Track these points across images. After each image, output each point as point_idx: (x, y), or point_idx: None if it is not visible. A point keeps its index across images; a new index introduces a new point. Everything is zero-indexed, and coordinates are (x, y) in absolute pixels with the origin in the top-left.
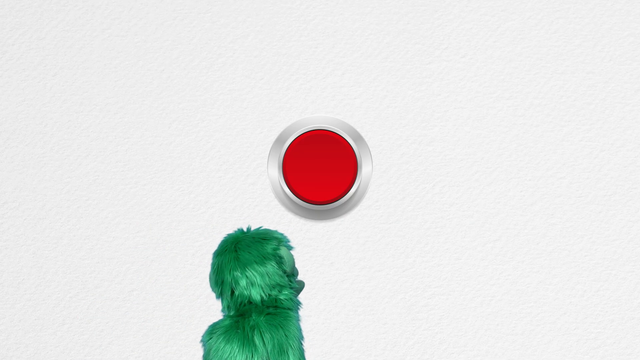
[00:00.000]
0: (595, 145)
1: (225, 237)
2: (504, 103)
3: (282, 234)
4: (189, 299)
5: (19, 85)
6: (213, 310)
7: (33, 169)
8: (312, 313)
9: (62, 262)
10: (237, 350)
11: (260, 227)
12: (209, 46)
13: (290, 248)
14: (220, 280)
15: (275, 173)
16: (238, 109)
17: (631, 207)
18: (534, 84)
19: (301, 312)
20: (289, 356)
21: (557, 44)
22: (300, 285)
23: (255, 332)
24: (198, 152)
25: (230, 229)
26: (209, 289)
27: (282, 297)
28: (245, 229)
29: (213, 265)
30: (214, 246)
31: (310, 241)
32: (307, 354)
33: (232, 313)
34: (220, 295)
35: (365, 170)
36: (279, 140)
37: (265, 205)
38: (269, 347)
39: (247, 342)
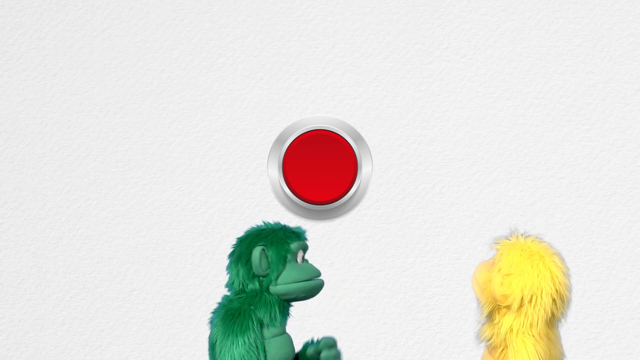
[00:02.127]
0: (595, 145)
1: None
2: (504, 103)
3: (284, 235)
4: (189, 299)
5: (19, 85)
6: (213, 310)
7: (33, 169)
8: (313, 313)
9: (62, 262)
10: (213, 330)
11: (284, 225)
12: (209, 46)
13: (283, 251)
14: (227, 267)
15: (275, 173)
16: (238, 109)
17: (631, 207)
18: (534, 84)
19: (302, 312)
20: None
21: (557, 44)
22: (289, 289)
23: (218, 318)
24: (198, 152)
25: (230, 229)
26: (209, 289)
27: (248, 292)
28: (273, 223)
29: None
30: (214, 246)
31: (310, 241)
32: None
33: (225, 296)
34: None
35: (365, 170)
36: (279, 140)
37: (265, 205)
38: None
39: (214, 327)
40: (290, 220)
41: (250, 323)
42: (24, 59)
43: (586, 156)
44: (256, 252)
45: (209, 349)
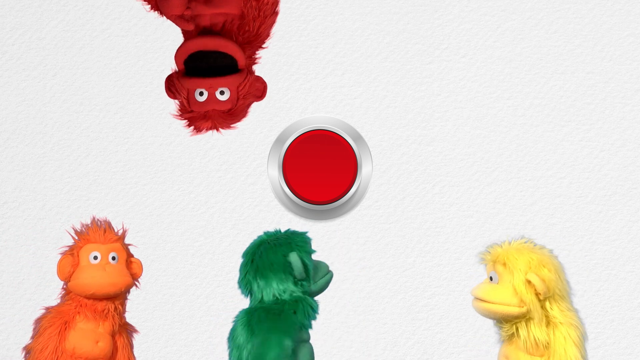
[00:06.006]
0: (595, 145)
1: (253, 240)
2: (504, 103)
3: (302, 237)
4: (189, 299)
5: (19, 85)
6: (213, 310)
7: (33, 169)
8: None
9: None
10: (239, 331)
11: (288, 230)
12: None
13: (309, 252)
14: (240, 282)
15: (275, 173)
16: None
17: (631, 207)
18: (534, 84)
19: None
20: (267, 348)
21: (557, 44)
22: (321, 284)
23: (254, 320)
24: (198, 152)
25: (230, 229)
26: (209, 289)
27: (289, 300)
28: (273, 231)
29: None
30: (214, 246)
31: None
32: None
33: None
34: (243, 294)
35: (365, 170)
36: (279, 140)
37: (265, 205)
38: (258, 338)
39: (247, 328)
40: (291, 220)
41: (294, 328)
42: (24, 59)
43: (586, 156)
44: (295, 257)
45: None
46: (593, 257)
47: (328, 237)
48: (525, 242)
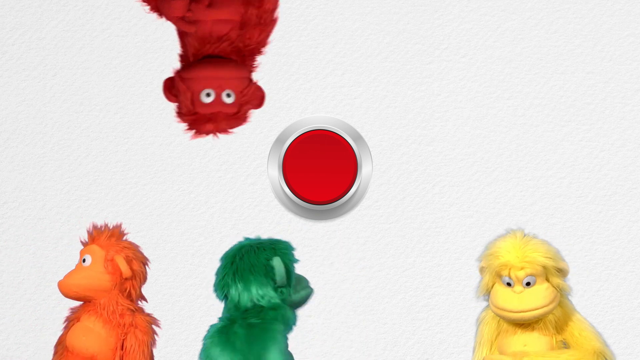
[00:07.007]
0: (595, 145)
1: (233, 245)
2: (504, 103)
3: (286, 245)
4: (189, 299)
5: (19, 85)
6: (213, 310)
7: (33, 169)
8: (312, 313)
9: (62, 262)
10: (219, 352)
11: (271, 238)
12: None
13: (292, 260)
14: (217, 284)
15: (275, 173)
16: None
17: (631, 207)
18: (534, 84)
19: (301, 313)
20: None
21: (557, 44)
22: (302, 296)
23: (237, 339)
24: (198, 152)
25: (230, 229)
26: (209, 289)
27: (267, 306)
28: (254, 237)
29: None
30: (214, 246)
31: (310, 241)
32: (307, 354)
33: (226, 316)
34: (219, 298)
35: (365, 170)
36: (279, 140)
37: (265, 205)
38: (249, 356)
39: (228, 346)
40: (291, 220)
41: (283, 338)
42: (24, 59)
43: (586, 156)
44: (278, 261)
45: None
46: (593, 257)
47: (328, 237)
48: (523, 237)
